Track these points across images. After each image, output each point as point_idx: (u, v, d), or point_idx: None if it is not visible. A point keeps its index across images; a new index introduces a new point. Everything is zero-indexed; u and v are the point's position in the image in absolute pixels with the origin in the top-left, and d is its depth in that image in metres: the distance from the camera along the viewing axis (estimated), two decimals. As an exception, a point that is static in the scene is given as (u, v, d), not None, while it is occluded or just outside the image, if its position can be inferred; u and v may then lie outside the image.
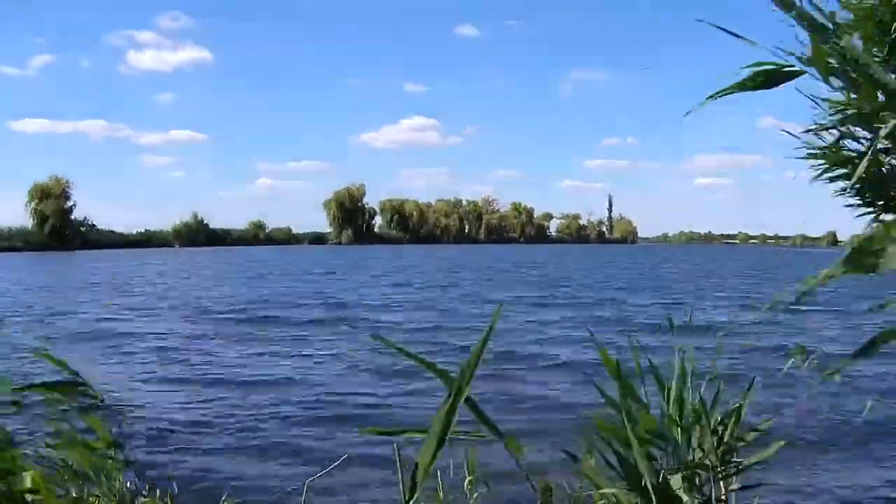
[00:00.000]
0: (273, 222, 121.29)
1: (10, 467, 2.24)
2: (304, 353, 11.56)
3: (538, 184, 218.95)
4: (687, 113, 1.52)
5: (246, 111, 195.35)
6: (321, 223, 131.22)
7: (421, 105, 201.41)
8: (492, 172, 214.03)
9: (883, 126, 1.37)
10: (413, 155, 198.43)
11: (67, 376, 2.43)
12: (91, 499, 2.46)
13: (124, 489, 2.55)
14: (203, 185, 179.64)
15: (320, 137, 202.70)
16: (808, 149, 1.81)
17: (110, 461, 2.46)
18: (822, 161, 1.80)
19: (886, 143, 1.49)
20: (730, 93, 1.47)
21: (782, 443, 1.98)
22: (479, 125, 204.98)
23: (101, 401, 2.46)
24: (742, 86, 1.46)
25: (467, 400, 1.21)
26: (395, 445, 1.75)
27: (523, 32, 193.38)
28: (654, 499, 1.81)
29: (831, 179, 1.80)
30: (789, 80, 1.45)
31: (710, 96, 1.46)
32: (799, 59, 1.42)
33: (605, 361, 1.76)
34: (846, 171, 1.75)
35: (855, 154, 1.70)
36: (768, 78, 1.47)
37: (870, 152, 1.49)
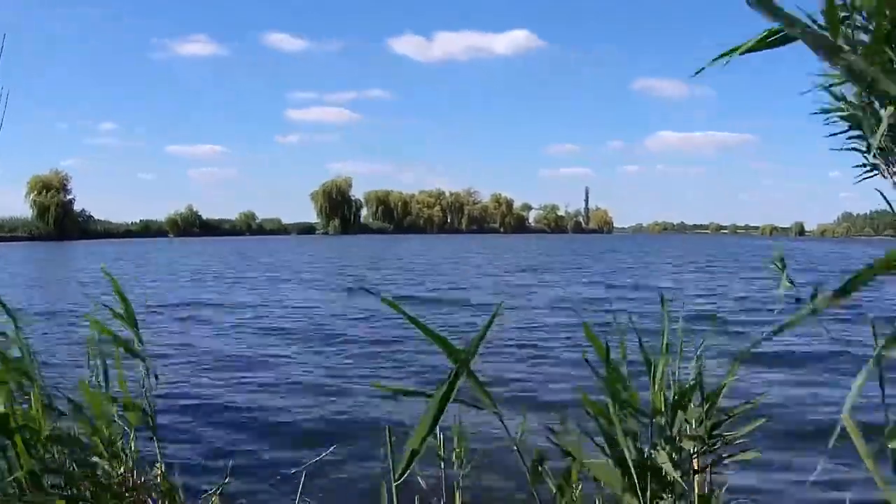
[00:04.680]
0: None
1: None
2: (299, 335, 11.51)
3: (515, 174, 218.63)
4: (697, 72, 1.50)
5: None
6: (309, 214, 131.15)
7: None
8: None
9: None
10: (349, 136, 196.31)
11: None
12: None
13: (134, 466, 2.47)
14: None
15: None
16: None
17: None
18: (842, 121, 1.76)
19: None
20: (741, 52, 1.47)
21: (764, 419, 1.98)
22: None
23: (145, 359, 2.35)
24: (753, 48, 1.46)
25: (469, 373, 1.19)
26: (388, 430, 1.73)
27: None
28: (634, 472, 1.80)
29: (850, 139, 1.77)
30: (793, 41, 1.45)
31: (723, 54, 1.45)
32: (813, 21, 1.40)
33: (592, 341, 1.74)
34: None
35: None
36: (778, 39, 1.47)
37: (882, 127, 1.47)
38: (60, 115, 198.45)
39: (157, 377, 2.41)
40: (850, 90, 1.70)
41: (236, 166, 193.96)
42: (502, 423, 1.30)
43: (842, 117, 1.77)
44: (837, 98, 1.75)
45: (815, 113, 1.85)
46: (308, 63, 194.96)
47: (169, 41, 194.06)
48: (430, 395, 1.09)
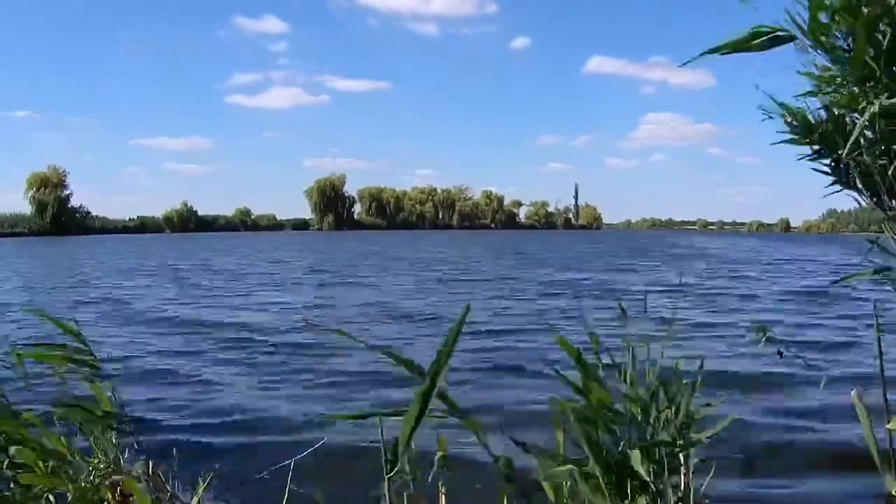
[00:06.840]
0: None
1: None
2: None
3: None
4: (683, 63, 1.48)
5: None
6: (304, 210, 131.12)
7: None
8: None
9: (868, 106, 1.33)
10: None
11: (70, 339, 2.29)
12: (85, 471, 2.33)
13: (120, 458, 2.41)
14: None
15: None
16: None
17: (109, 429, 2.33)
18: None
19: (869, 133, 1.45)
20: (726, 51, 1.44)
21: (737, 416, 1.97)
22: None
23: (98, 367, 2.30)
24: (737, 45, 1.44)
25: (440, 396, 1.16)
26: (380, 420, 1.69)
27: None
28: (610, 473, 1.79)
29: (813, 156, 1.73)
30: (782, 44, 1.43)
31: (708, 51, 1.43)
32: (798, 26, 1.37)
33: (565, 347, 1.71)
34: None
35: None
36: (763, 40, 1.45)
37: (854, 135, 1.44)
38: (40, 109, 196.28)
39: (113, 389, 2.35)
40: (816, 102, 1.66)
41: (222, 161, 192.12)
42: (486, 447, 1.27)
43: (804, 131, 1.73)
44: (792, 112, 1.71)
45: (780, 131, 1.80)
46: (287, 48, 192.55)
47: (141, 29, 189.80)
48: (396, 414, 1.06)
